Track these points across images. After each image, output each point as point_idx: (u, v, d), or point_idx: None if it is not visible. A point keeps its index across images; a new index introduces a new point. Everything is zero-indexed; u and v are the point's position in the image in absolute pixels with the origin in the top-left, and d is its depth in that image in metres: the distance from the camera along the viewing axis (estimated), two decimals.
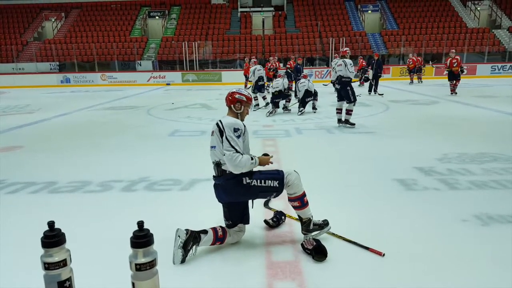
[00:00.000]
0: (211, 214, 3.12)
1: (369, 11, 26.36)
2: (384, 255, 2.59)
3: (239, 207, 2.81)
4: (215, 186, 2.81)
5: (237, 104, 2.81)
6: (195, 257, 2.64)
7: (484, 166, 4.68)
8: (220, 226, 2.79)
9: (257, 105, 10.85)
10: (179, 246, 2.55)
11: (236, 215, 2.80)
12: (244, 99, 2.83)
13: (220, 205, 2.87)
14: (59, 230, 1.76)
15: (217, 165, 2.71)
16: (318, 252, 2.58)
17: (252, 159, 2.66)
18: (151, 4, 28.17)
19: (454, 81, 12.55)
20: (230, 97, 2.83)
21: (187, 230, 2.61)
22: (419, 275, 2.39)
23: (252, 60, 12.52)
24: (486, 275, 2.39)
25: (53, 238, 1.73)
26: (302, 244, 2.71)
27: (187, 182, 4.29)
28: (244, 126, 2.73)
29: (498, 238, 2.85)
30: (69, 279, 1.79)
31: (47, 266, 1.72)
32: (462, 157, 5.09)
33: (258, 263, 2.58)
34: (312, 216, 2.82)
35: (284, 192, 2.74)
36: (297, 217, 2.89)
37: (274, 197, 2.81)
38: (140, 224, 1.84)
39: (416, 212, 3.38)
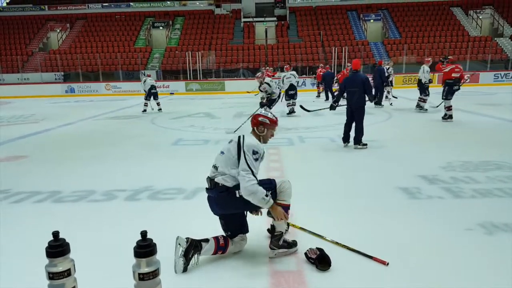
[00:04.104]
0: (215, 223, 3.10)
1: (372, 20, 26.48)
2: (388, 264, 2.58)
3: (235, 218, 2.78)
4: (208, 198, 2.78)
5: (260, 127, 2.78)
6: (198, 265, 2.64)
7: (488, 174, 4.66)
8: (222, 235, 2.78)
9: (145, 110, 12.45)
10: (181, 254, 2.54)
11: (234, 226, 2.78)
12: (268, 121, 2.77)
13: None
14: (64, 240, 1.77)
15: (210, 178, 2.69)
16: (321, 261, 2.58)
17: (266, 196, 2.54)
18: (155, 15, 28.50)
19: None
20: (254, 119, 2.80)
21: (187, 238, 2.60)
22: (423, 285, 2.37)
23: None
24: (490, 284, 2.37)
25: (57, 248, 1.74)
26: (305, 253, 2.70)
27: (190, 190, 4.30)
28: (264, 151, 2.68)
29: (502, 247, 2.83)
30: None
31: (51, 276, 1.73)
32: (466, 165, 5.06)
33: (261, 272, 2.57)
34: (285, 232, 2.78)
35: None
36: (299, 226, 2.87)
37: None
38: (143, 233, 1.84)
39: (420, 221, 3.37)
